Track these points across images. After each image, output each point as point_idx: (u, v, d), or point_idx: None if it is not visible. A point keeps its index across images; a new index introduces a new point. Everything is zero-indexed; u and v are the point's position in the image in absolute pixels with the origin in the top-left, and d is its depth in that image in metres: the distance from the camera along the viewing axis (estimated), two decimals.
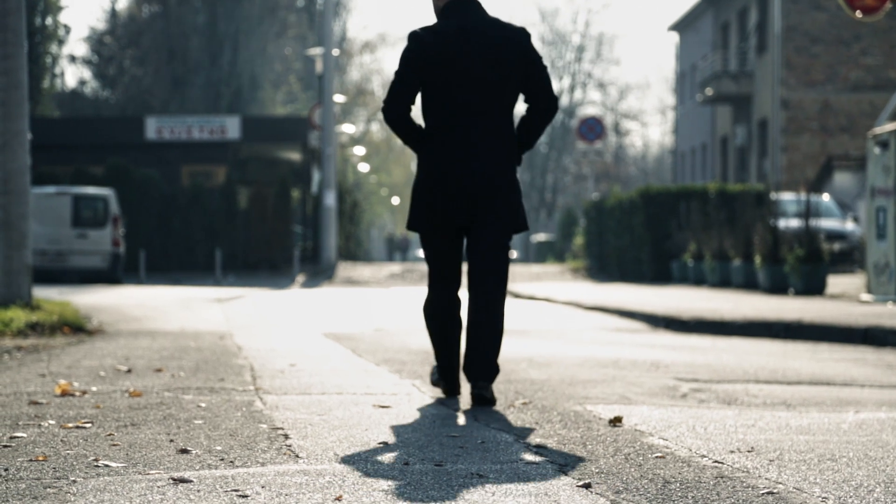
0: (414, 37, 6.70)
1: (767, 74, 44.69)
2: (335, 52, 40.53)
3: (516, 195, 6.80)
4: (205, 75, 56.38)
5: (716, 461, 5.02)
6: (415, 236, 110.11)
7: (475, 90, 6.68)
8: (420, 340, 11.88)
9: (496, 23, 6.78)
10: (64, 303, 15.14)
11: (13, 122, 13.67)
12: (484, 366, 6.73)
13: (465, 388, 7.21)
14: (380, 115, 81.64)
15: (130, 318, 15.45)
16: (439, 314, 6.93)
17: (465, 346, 6.82)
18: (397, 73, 6.76)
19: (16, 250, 13.69)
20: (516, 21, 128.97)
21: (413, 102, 6.84)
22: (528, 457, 5.07)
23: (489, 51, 6.69)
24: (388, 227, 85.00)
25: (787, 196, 27.44)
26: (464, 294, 6.98)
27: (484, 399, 6.71)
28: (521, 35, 6.78)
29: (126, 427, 5.81)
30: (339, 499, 4.17)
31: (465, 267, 6.96)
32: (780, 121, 43.42)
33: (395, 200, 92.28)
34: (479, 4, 6.81)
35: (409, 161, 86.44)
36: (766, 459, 5.08)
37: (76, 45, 70.82)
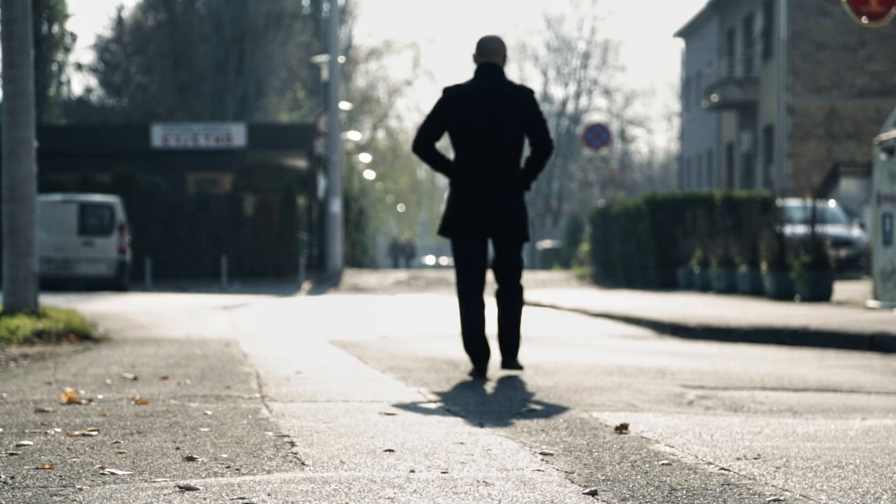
0: (445, 92, 8.97)
1: (773, 81, 44.69)
2: (341, 59, 40.59)
3: (524, 215, 9.02)
4: (211, 83, 56.44)
5: (722, 468, 5.01)
6: (419, 241, 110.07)
7: (489, 135, 8.88)
8: (426, 348, 11.88)
9: (508, 84, 8.94)
10: (70, 310, 15.15)
11: (19, 130, 13.69)
12: (511, 349, 9.11)
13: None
14: (385, 122, 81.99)
15: (136, 326, 15.46)
16: (468, 305, 8.97)
17: (497, 332, 9.10)
18: (427, 118, 8.99)
19: (22, 258, 13.70)
20: (522, 28, 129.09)
21: (437, 140, 9.03)
22: (534, 464, 5.07)
23: (500, 106, 8.88)
24: (393, 232, 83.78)
25: (793, 202, 27.45)
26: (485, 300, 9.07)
27: (512, 369, 9.09)
28: (527, 94, 8.95)
29: (132, 435, 5.81)
30: None
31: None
32: (785, 127, 43.41)
33: (401, 207, 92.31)
34: (500, 69, 9.00)
35: (414, 168, 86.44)
36: (773, 466, 5.07)
37: (82, 52, 70.88)
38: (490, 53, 9.00)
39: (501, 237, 9.01)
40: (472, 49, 9.13)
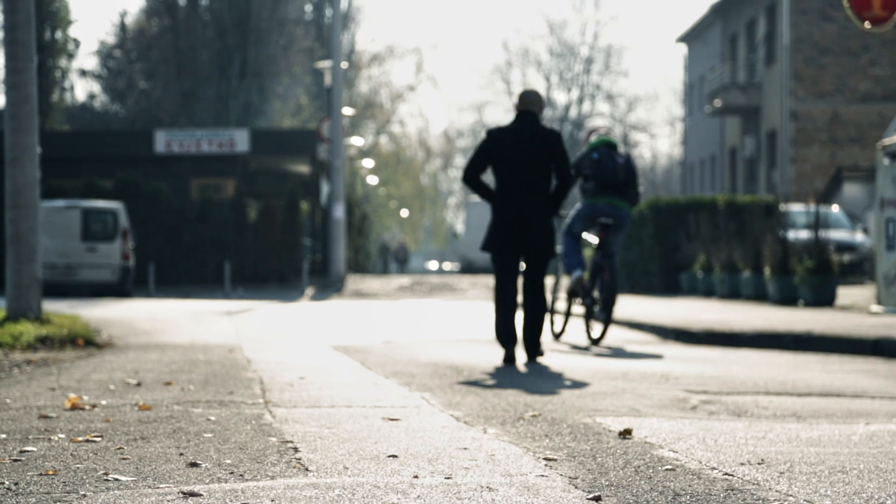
0: (489, 133, 11.06)
1: (776, 86, 44.68)
2: (344, 64, 40.61)
3: (551, 233, 10.96)
4: (213, 88, 56.46)
5: (726, 473, 5.00)
6: (423, 246, 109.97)
7: (523, 168, 10.86)
8: (429, 353, 11.88)
9: (540, 128, 10.98)
10: (73, 316, 15.15)
11: (23, 136, 13.70)
12: (534, 345, 10.99)
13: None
14: (387, 128, 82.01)
15: (140, 332, 15.46)
16: (502, 304, 10.90)
17: (522, 332, 10.96)
18: (475, 153, 11.01)
19: (25, 264, 13.70)
20: (524, 33, 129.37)
21: (482, 173, 11.02)
22: (538, 469, 5.06)
23: (533, 146, 10.88)
24: (383, 236, 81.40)
25: (796, 207, 27.40)
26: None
27: (535, 361, 10.91)
28: (555, 136, 10.97)
29: (136, 441, 5.81)
30: None
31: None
32: (788, 132, 43.39)
33: (405, 213, 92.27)
34: (535, 115, 11.05)
35: (417, 174, 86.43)
36: (777, 472, 5.07)
37: (86, 58, 70.65)
38: (528, 103, 11.10)
39: (531, 253, 10.96)
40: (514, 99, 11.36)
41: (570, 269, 13.91)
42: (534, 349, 10.98)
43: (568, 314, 14.17)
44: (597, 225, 13.73)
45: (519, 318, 11.03)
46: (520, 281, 11.14)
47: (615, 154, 13.67)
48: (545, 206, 10.95)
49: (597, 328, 13.69)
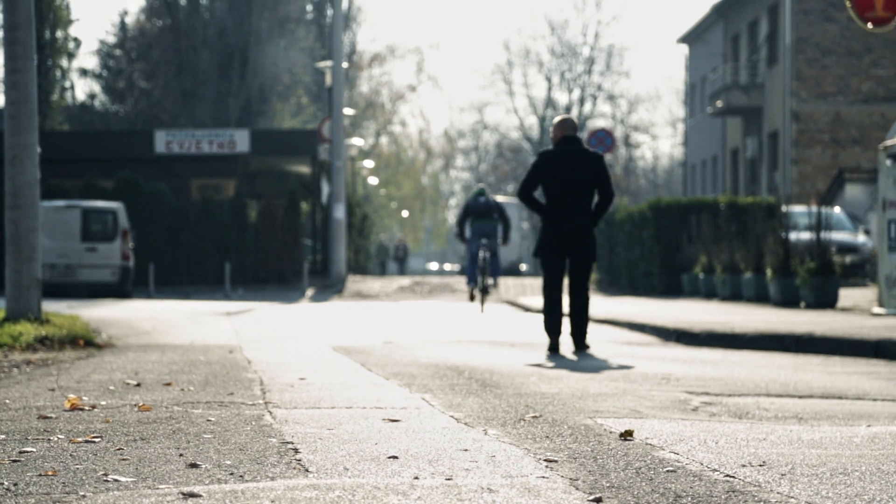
0: (540, 156, 12.63)
1: (778, 86, 44.67)
2: (344, 64, 40.59)
3: (593, 241, 12.53)
4: (214, 88, 56.46)
5: (727, 475, 4.99)
6: (423, 247, 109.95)
7: (570, 186, 12.40)
8: (430, 354, 11.87)
9: (584, 150, 12.53)
10: (73, 317, 15.14)
11: (23, 136, 13.68)
12: (581, 338, 12.51)
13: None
14: (388, 128, 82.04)
15: (140, 332, 15.45)
16: (550, 301, 12.55)
17: (570, 325, 12.56)
18: (528, 174, 12.61)
19: (25, 264, 13.69)
20: (526, 33, 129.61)
21: (535, 190, 12.62)
22: (539, 471, 5.05)
23: (578, 167, 12.42)
24: (380, 236, 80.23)
25: (798, 208, 27.40)
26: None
27: (583, 351, 12.41)
28: (598, 158, 12.52)
29: (135, 441, 5.80)
30: None
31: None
32: (790, 133, 43.39)
33: (405, 213, 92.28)
34: (578, 139, 12.62)
35: (418, 174, 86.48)
36: (778, 473, 5.05)
37: (86, 58, 70.32)
38: (569, 129, 12.68)
39: (577, 258, 12.50)
40: (552, 126, 12.95)
41: (471, 278, 24.31)
42: (581, 343, 12.42)
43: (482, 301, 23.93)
44: (480, 241, 23.80)
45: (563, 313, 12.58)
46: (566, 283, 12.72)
47: (483, 197, 24.11)
48: (588, 217, 12.48)
49: (487, 304, 24.43)
